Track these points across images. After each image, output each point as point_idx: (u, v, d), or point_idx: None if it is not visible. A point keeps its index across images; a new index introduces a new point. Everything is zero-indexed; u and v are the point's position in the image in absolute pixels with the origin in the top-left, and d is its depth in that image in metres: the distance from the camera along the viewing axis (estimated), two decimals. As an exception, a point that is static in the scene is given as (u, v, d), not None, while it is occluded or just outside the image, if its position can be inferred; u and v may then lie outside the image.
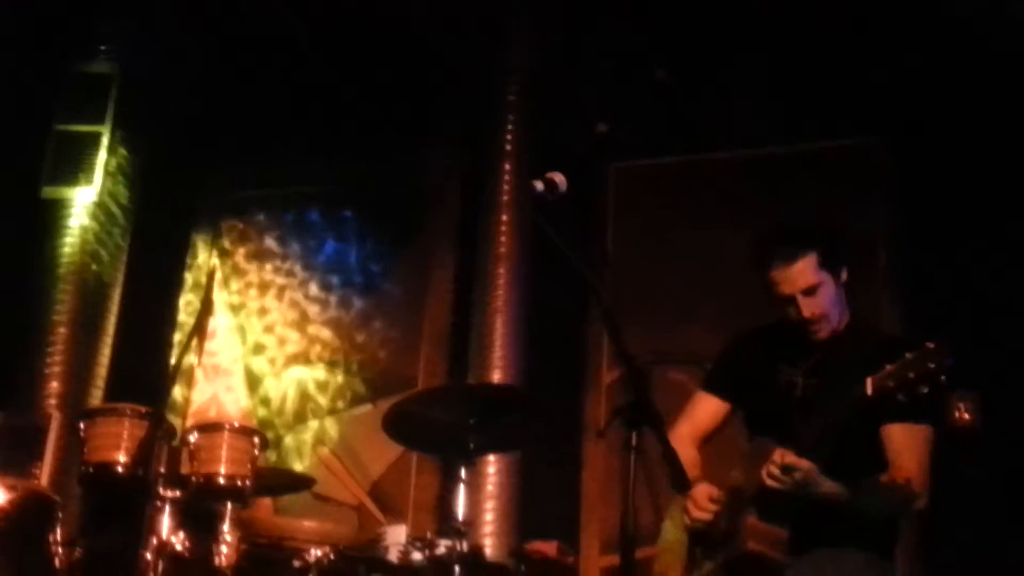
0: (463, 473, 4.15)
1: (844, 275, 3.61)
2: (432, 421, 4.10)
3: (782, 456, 3.25)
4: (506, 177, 6.51)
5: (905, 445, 3.42)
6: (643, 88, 6.65)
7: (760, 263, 3.61)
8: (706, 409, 3.88)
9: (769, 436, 3.47)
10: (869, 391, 3.17)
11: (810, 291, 3.53)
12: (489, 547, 5.65)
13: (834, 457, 3.33)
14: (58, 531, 4.45)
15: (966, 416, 5.51)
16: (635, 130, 6.71)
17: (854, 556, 3.44)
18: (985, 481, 5.25)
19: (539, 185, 3.26)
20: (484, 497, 5.86)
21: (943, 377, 3.07)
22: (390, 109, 7.05)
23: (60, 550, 4.42)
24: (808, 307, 3.53)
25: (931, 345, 3.10)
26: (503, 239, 6.39)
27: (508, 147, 6.57)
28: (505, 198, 6.47)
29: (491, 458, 5.88)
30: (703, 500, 3.50)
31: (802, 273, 3.53)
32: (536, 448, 5.50)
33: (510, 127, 6.60)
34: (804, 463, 3.25)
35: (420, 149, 7.22)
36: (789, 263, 3.53)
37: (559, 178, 3.29)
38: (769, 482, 3.27)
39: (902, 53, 6.00)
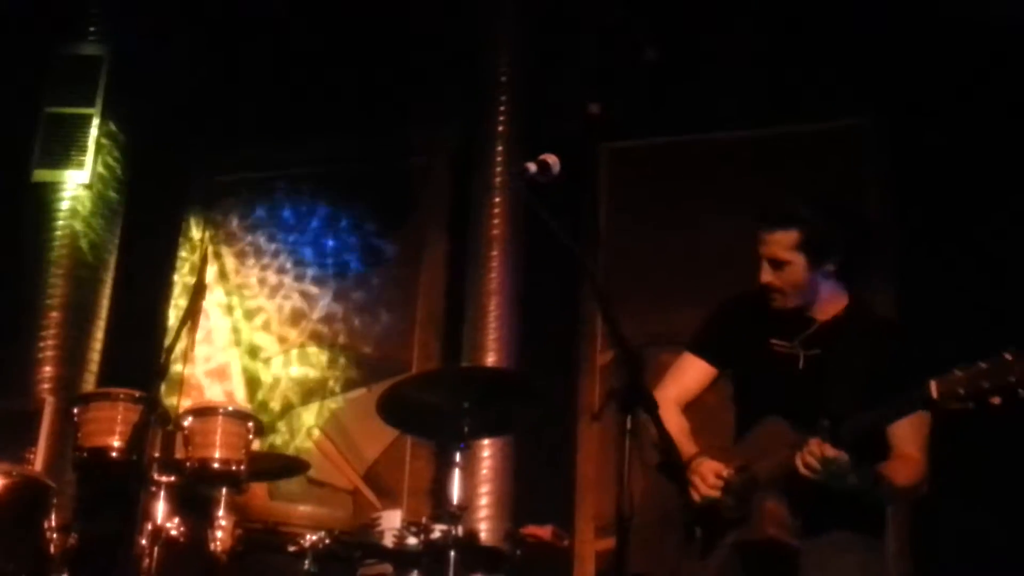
0: (458, 457, 4.16)
1: (829, 267, 3.56)
2: (426, 405, 4.10)
3: (821, 448, 3.18)
4: (498, 159, 6.49)
5: (910, 433, 3.42)
6: (635, 68, 6.63)
7: (756, 219, 3.64)
8: (694, 372, 3.82)
9: (770, 409, 3.45)
10: (935, 395, 3.06)
11: (777, 263, 3.54)
12: (484, 531, 5.66)
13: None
14: (52, 516, 4.45)
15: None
16: (627, 111, 6.69)
17: (856, 538, 3.45)
18: (979, 467, 5.25)
19: (532, 167, 3.27)
20: (479, 481, 5.87)
21: (1022, 392, 2.93)
22: (380, 88, 7.02)
23: (54, 535, 4.43)
24: (767, 274, 3.56)
25: (1010, 357, 2.95)
26: (496, 221, 6.38)
27: (500, 128, 6.55)
28: (497, 180, 6.45)
29: (486, 442, 5.89)
30: (711, 477, 3.45)
31: (776, 244, 3.54)
32: (530, 431, 5.49)
33: (502, 108, 6.58)
34: (843, 456, 3.19)
35: (409, 129, 7.19)
36: (771, 229, 3.55)
37: (552, 159, 3.29)
38: (804, 471, 3.22)
39: (894, 33, 5.98)
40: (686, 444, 3.59)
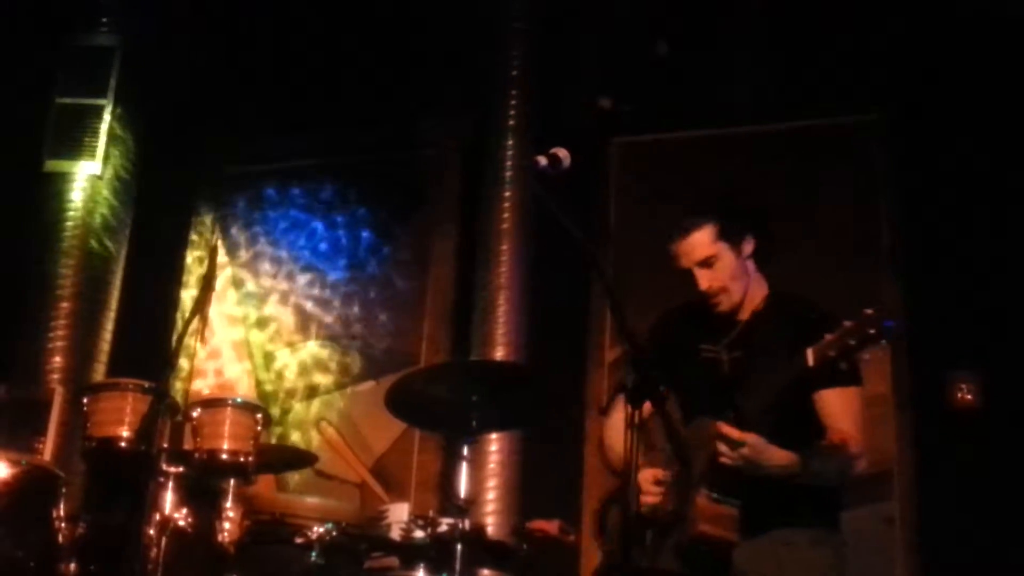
0: (465, 451, 4.16)
1: (748, 247, 3.65)
2: (434, 398, 4.10)
3: (727, 430, 3.26)
4: (509, 152, 6.49)
5: (840, 409, 3.46)
6: (645, 63, 6.62)
7: (667, 240, 3.69)
8: None
9: (703, 414, 3.48)
10: (811, 362, 3.18)
11: (706, 263, 3.59)
12: (491, 525, 5.66)
13: (775, 429, 3.34)
14: (61, 506, 4.46)
15: (968, 396, 5.51)
16: (638, 105, 6.69)
17: (805, 534, 3.46)
18: (984, 466, 5.25)
19: (542, 160, 3.26)
20: (486, 475, 5.87)
21: (884, 341, 3.08)
22: (391, 81, 7.02)
23: (63, 525, 4.43)
24: (704, 279, 3.59)
25: (869, 312, 3.10)
26: (506, 215, 6.37)
27: (511, 122, 6.55)
28: (508, 173, 6.45)
29: (493, 436, 5.89)
30: (648, 484, 3.49)
31: (697, 245, 3.60)
32: (538, 426, 5.49)
33: (513, 102, 6.58)
34: (750, 436, 3.26)
35: (420, 121, 7.19)
36: (685, 235, 3.61)
37: (562, 153, 3.28)
38: (723, 458, 3.28)
39: (905, 29, 5.97)
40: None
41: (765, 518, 3.39)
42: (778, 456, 3.31)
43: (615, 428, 3.72)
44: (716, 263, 3.60)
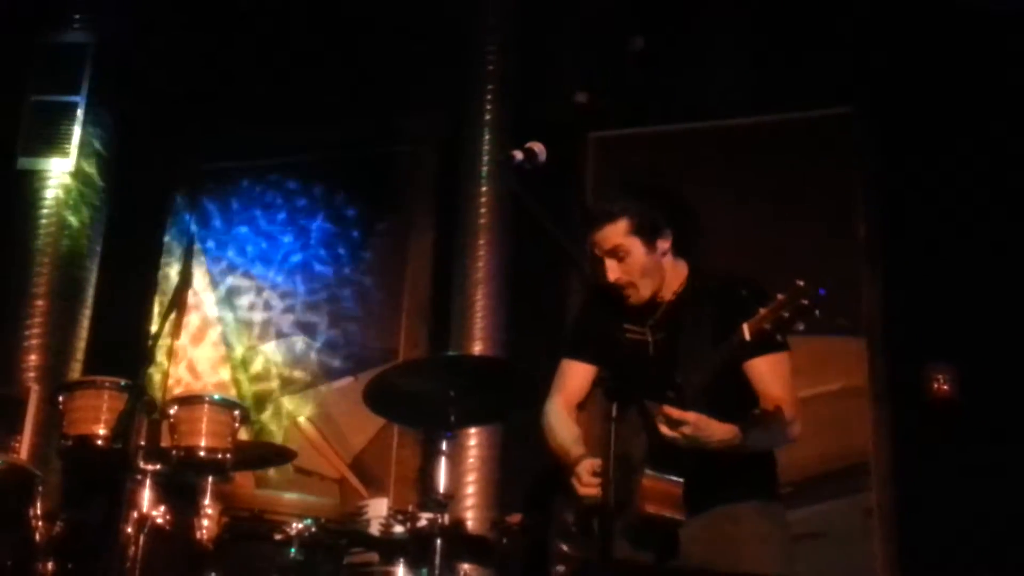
0: (444, 446, 4.16)
1: (664, 244, 3.62)
2: (413, 393, 4.09)
3: (669, 411, 3.25)
4: (485, 147, 6.49)
5: (771, 376, 3.47)
6: (622, 57, 6.63)
7: (582, 226, 3.67)
8: (574, 376, 3.82)
9: (634, 396, 3.42)
10: (748, 336, 3.18)
11: (616, 255, 3.56)
12: (471, 520, 5.66)
13: (713, 404, 3.33)
14: (38, 505, 4.45)
15: (945, 387, 5.53)
16: (614, 100, 6.69)
17: (748, 507, 3.47)
18: (961, 457, 5.28)
19: (518, 155, 3.26)
20: (465, 470, 5.87)
21: (817, 311, 3.09)
22: (367, 77, 7.00)
23: (40, 524, 4.42)
24: (613, 271, 3.57)
25: (801, 283, 3.11)
26: (483, 210, 6.37)
27: (487, 116, 6.55)
28: (484, 168, 6.45)
29: (472, 430, 5.89)
30: (587, 476, 3.46)
31: (609, 237, 3.56)
32: (517, 420, 5.49)
33: (489, 97, 6.58)
34: (691, 414, 3.25)
35: (396, 117, 7.18)
36: (600, 226, 3.58)
37: (538, 147, 3.28)
38: (667, 438, 3.27)
39: (877, 22, 5.99)
40: (574, 448, 3.61)
41: (708, 494, 3.39)
42: (719, 431, 3.30)
43: (554, 413, 3.77)
44: (627, 257, 3.56)
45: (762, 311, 3.15)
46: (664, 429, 3.27)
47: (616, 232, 3.56)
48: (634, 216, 3.57)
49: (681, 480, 3.34)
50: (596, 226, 3.59)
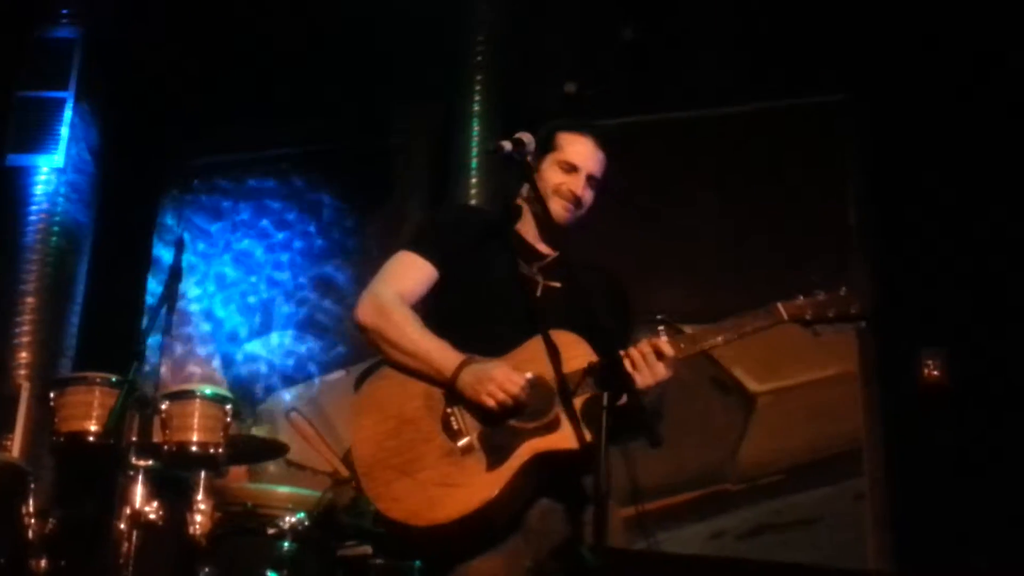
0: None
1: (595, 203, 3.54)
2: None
3: (657, 345, 3.14)
4: (474, 138, 6.48)
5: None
6: (611, 47, 6.62)
7: (571, 123, 3.56)
8: (418, 274, 3.46)
9: (509, 326, 3.28)
10: (785, 316, 3.22)
11: (592, 181, 3.49)
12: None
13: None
14: (30, 502, 4.45)
15: (935, 373, 5.54)
16: (603, 90, 6.68)
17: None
18: (952, 442, 5.29)
19: (507, 145, 3.25)
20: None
21: (863, 323, 3.26)
22: (356, 71, 6.99)
23: (33, 521, 4.43)
24: (581, 187, 3.46)
25: (844, 292, 3.26)
26: (473, 202, 6.36)
27: (476, 107, 6.54)
28: (475, 159, 6.44)
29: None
30: (516, 376, 3.14)
31: (601, 165, 3.51)
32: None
33: (478, 88, 6.57)
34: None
35: (387, 111, 7.17)
36: (599, 146, 3.52)
37: (527, 138, 3.28)
38: (634, 366, 3.11)
39: (869, 9, 5.99)
40: (449, 352, 3.24)
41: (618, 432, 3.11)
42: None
43: (398, 305, 3.43)
44: (596, 191, 3.50)
45: (802, 299, 3.24)
46: (645, 353, 3.11)
47: (605, 166, 3.52)
48: (608, 169, 3.53)
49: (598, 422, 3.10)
50: (593, 140, 3.52)
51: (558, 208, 3.44)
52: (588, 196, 3.48)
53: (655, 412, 3.24)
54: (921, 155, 5.78)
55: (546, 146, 3.49)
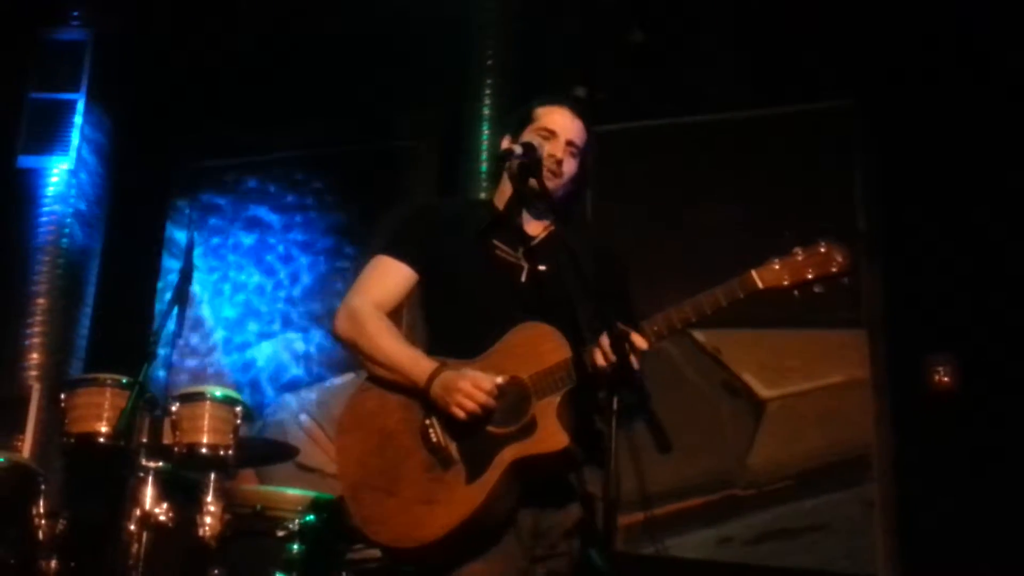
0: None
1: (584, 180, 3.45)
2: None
3: (633, 337, 2.99)
4: (484, 142, 6.49)
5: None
6: (620, 51, 6.62)
7: (547, 97, 3.48)
8: (394, 279, 3.44)
9: (497, 315, 3.20)
10: (760, 284, 3.04)
11: (573, 148, 3.37)
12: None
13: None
14: (41, 503, 4.45)
15: (945, 379, 5.53)
16: (613, 94, 6.68)
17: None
18: (962, 448, 5.28)
19: (516, 149, 3.25)
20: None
21: (846, 280, 3.01)
22: (366, 73, 7.00)
23: (43, 522, 4.43)
24: (561, 150, 3.33)
25: (824, 248, 3.04)
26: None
27: (486, 112, 6.54)
28: (483, 163, 6.44)
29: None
30: (486, 383, 3.06)
31: (580, 134, 3.39)
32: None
33: (488, 92, 6.57)
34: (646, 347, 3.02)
35: (396, 112, 7.18)
36: (576, 115, 3.41)
37: (537, 142, 3.28)
38: (606, 361, 2.95)
39: (876, 15, 5.98)
40: (422, 361, 3.21)
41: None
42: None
43: (372, 314, 3.40)
44: (576, 160, 3.38)
45: (776, 262, 3.05)
46: (613, 350, 2.92)
47: (585, 136, 3.41)
48: (591, 140, 3.43)
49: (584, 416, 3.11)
50: (572, 111, 3.42)
51: (532, 177, 3.26)
52: (570, 164, 3.37)
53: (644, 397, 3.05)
54: (930, 160, 5.77)
55: (524, 121, 3.44)
